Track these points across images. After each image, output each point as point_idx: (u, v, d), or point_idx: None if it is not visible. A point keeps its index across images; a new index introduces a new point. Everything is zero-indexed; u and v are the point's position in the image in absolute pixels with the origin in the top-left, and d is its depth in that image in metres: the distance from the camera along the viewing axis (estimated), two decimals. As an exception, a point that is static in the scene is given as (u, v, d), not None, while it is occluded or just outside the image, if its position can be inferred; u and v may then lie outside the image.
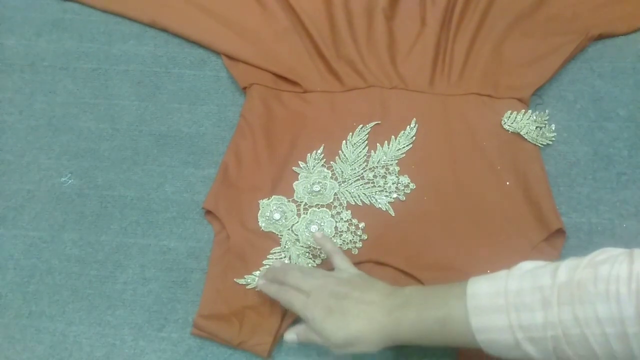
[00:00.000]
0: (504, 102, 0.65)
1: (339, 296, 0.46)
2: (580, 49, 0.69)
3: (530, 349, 0.39)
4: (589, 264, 0.38)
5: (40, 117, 0.68)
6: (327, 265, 0.55)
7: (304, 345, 0.52)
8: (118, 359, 0.53)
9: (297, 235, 0.57)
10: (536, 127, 0.62)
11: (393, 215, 0.58)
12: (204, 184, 0.62)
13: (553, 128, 0.63)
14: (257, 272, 0.55)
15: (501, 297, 0.40)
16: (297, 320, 0.53)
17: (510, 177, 0.60)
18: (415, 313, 0.43)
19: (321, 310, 0.46)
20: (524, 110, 0.63)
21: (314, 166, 0.61)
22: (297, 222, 0.58)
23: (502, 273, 0.42)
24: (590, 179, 0.61)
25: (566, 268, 0.39)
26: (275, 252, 0.56)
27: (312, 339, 0.47)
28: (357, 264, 0.56)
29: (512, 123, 0.63)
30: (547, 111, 0.64)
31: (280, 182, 0.61)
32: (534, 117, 0.63)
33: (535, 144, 0.62)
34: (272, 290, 0.50)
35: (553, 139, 0.63)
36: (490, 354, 0.41)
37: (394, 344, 0.45)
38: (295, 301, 0.48)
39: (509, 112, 0.63)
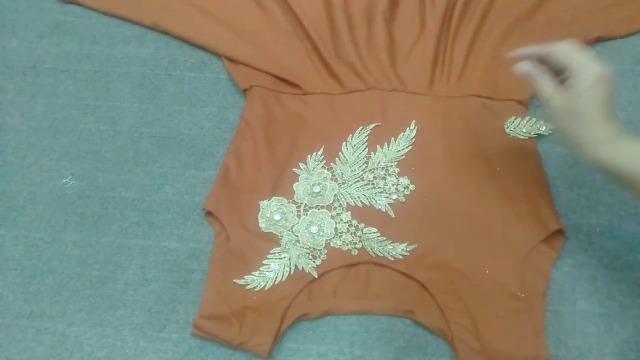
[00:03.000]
0: (504, 103, 0.65)
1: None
2: (579, 51, 0.69)
3: None
4: None
5: (41, 119, 0.68)
6: (327, 266, 0.55)
7: (304, 346, 0.53)
8: (118, 360, 0.53)
9: (297, 236, 0.57)
10: (538, 135, 0.63)
11: (393, 216, 0.58)
12: (204, 186, 0.62)
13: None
14: (257, 273, 0.55)
15: None
16: (297, 320, 0.53)
17: (510, 179, 0.60)
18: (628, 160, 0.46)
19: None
20: (528, 117, 0.64)
21: (314, 167, 0.62)
22: (297, 223, 0.58)
23: None
24: (589, 180, 0.61)
25: None
26: (275, 253, 0.56)
27: (543, 90, 0.51)
28: (356, 264, 0.56)
29: (514, 128, 0.63)
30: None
31: (280, 184, 0.61)
32: (538, 126, 0.63)
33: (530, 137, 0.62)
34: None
35: (550, 131, 0.63)
36: None
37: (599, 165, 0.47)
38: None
39: (513, 117, 0.64)
